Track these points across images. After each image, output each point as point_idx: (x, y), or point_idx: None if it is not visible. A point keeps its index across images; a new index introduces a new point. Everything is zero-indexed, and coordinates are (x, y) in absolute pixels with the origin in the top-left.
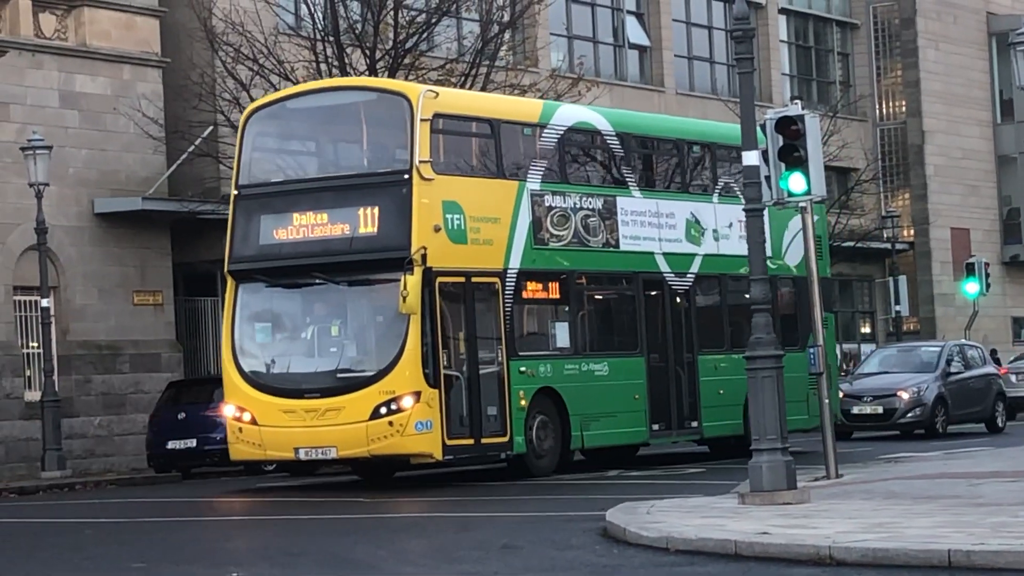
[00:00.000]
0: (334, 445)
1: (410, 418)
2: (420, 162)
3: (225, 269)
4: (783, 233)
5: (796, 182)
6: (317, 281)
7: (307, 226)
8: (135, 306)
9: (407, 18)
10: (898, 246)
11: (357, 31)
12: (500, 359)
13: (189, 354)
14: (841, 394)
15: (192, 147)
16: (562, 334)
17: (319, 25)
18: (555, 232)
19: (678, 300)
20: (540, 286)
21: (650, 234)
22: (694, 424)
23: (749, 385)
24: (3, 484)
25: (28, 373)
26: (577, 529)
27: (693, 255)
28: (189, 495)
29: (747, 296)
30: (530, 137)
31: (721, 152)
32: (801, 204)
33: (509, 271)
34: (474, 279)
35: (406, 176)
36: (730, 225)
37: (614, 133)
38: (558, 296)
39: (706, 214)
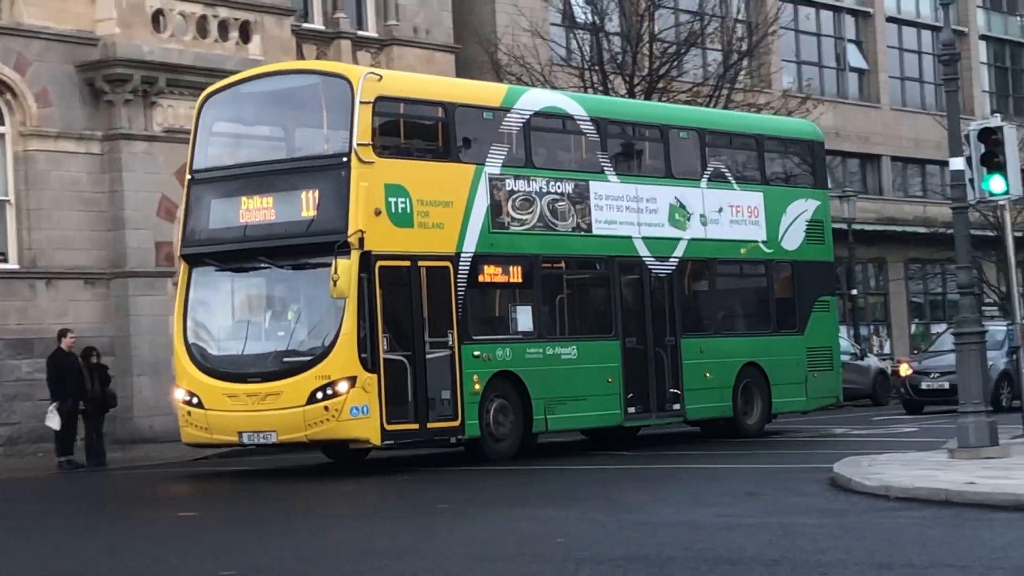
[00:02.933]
0: (274, 429)
1: (345, 403)
2: (359, 145)
3: (177, 253)
4: (780, 218)
5: (996, 184)
6: (263, 265)
7: (254, 210)
8: None
9: (660, 49)
10: None
11: (618, 61)
12: (451, 343)
13: None
14: (910, 370)
15: None
16: (524, 318)
17: (586, 56)
18: (517, 216)
19: (659, 284)
20: (499, 270)
21: (628, 218)
22: (676, 407)
23: (957, 357)
24: None
25: None
26: (809, 479)
27: (677, 239)
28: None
29: (737, 280)
30: (491, 121)
31: (710, 138)
32: (1000, 203)
33: (463, 255)
34: (421, 263)
35: (344, 159)
36: (720, 210)
37: (588, 118)
38: (520, 280)
39: (693, 199)
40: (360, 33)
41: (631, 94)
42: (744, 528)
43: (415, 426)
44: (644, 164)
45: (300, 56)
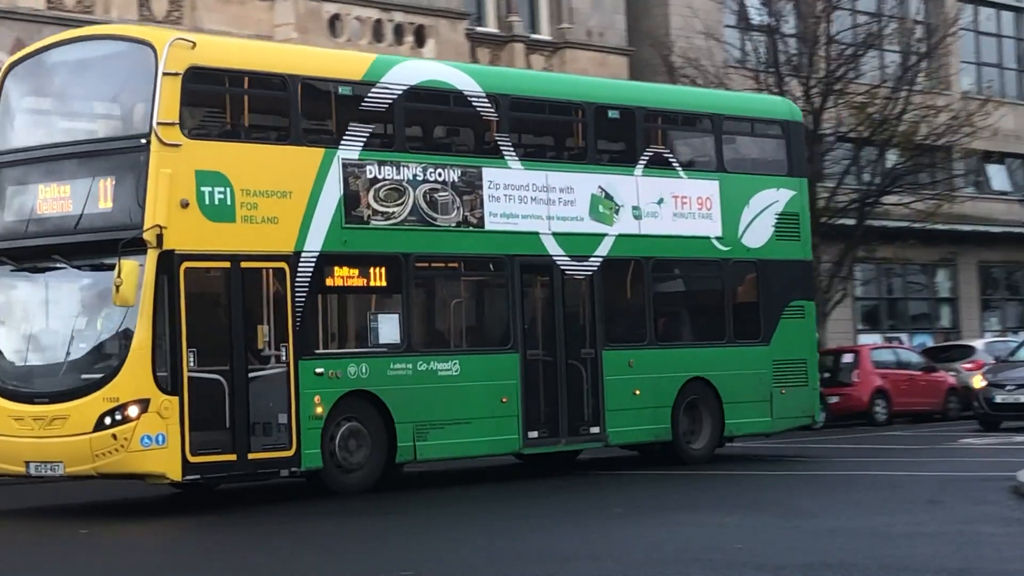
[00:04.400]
0: (60, 460)
1: (135, 431)
2: (160, 124)
3: None
4: (741, 211)
5: None
6: (58, 265)
7: (51, 200)
8: None
9: (837, 51)
10: None
11: (794, 63)
12: (286, 358)
13: None
14: (984, 383)
15: None
16: (389, 328)
17: (761, 59)
18: (381, 209)
19: (576, 287)
20: (355, 272)
21: (534, 211)
22: (595, 430)
23: None
24: None
25: None
26: (990, 488)
27: (601, 236)
28: None
29: (682, 282)
30: (349, 97)
31: (649, 118)
32: None
33: (304, 254)
34: (245, 264)
35: (143, 141)
36: (660, 201)
37: (484, 94)
38: (385, 284)
39: (623, 188)
40: (533, 36)
41: (807, 97)
42: (926, 537)
43: (231, 457)
44: (560, 148)
45: (474, 61)
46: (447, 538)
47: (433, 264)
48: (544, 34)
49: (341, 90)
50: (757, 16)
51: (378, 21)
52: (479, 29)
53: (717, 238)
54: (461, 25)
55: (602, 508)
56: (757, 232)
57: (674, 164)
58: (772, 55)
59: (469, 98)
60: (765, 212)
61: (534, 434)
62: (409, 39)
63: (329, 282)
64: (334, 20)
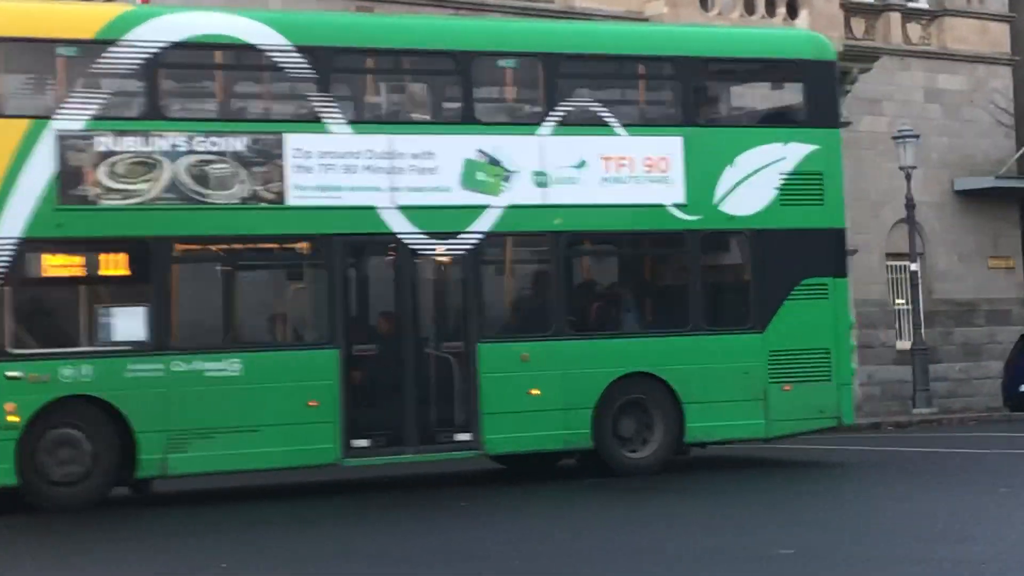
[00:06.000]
0: None
1: None
2: None
3: None
4: (721, 171)
5: None
6: None
7: None
8: (989, 269)
9: None
10: None
11: None
12: None
13: None
14: None
15: None
16: (128, 324)
17: None
18: (120, 186)
19: (439, 270)
20: (78, 260)
21: (368, 182)
22: (465, 436)
23: None
24: (881, 419)
25: (898, 326)
26: None
27: (480, 208)
28: None
29: (615, 259)
30: (76, 59)
31: (565, 66)
32: None
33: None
34: None
35: None
36: (580, 164)
37: (292, 47)
38: (127, 272)
39: (519, 151)
40: (910, 4)
41: None
42: None
43: None
44: (417, 106)
45: (848, 31)
46: (815, 514)
47: (204, 247)
48: (921, 2)
49: (62, 51)
50: None
51: None
52: None
53: (678, 205)
54: None
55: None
56: (748, 196)
57: (607, 120)
58: None
59: (268, 53)
60: (762, 172)
61: (362, 443)
62: (781, 10)
63: (37, 272)
64: None
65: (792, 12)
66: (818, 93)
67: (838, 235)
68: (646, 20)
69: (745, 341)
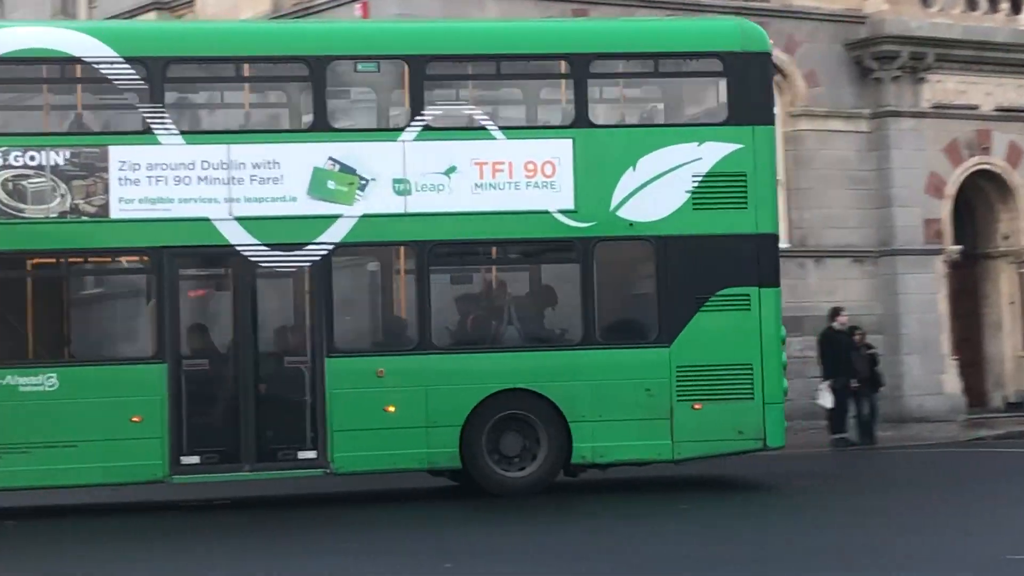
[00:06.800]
0: None
1: None
2: None
3: None
4: (620, 175)
5: None
6: None
7: None
8: None
9: None
10: None
11: None
12: None
13: None
14: None
15: None
16: None
17: None
18: None
19: (280, 283)
20: None
21: (202, 193)
22: (309, 455)
23: None
24: None
25: None
26: None
27: (330, 218)
28: None
29: (489, 271)
30: None
31: (435, 67)
32: None
33: None
34: None
35: None
36: (449, 171)
37: (121, 59)
38: None
39: (376, 158)
40: None
41: None
42: None
43: None
44: (261, 114)
45: None
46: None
47: (23, 262)
48: None
49: None
50: None
51: None
52: None
53: (565, 211)
54: None
55: None
56: (653, 201)
57: (482, 123)
58: None
59: (94, 65)
60: (671, 174)
61: (192, 460)
62: (1005, 6)
63: None
64: None
65: (1016, 7)
66: (745, 87)
67: (765, 241)
68: (865, 18)
69: (647, 356)
